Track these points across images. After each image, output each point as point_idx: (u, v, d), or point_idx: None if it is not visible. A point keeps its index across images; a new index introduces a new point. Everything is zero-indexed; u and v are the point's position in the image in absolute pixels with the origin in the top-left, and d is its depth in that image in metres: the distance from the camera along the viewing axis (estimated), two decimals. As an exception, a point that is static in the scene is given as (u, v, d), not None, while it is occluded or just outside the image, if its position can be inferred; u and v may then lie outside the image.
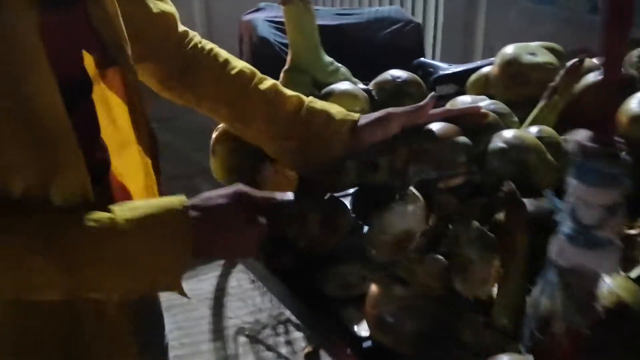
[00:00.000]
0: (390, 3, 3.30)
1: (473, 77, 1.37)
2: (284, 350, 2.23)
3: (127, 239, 0.73)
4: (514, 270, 0.78)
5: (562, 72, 1.05)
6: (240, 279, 2.51)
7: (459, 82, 1.52)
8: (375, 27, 1.89)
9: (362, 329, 0.90)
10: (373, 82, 1.26)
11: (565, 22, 2.50)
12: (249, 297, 2.46)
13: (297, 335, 2.25)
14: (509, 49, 1.25)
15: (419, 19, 2.81)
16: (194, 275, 2.57)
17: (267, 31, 1.77)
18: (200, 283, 2.52)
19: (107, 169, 0.86)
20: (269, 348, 2.23)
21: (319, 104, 1.04)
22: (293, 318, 2.24)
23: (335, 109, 1.03)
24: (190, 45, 1.05)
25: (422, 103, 1.01)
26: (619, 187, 0.53)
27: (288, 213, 1.05)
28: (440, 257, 0.84)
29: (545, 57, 1.22)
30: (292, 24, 1.18)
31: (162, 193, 0.91)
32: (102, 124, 0.84)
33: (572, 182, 0.52)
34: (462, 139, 0.98)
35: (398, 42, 1.89)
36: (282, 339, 2.25)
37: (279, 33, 1.78)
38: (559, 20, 2.53)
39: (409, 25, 1.91)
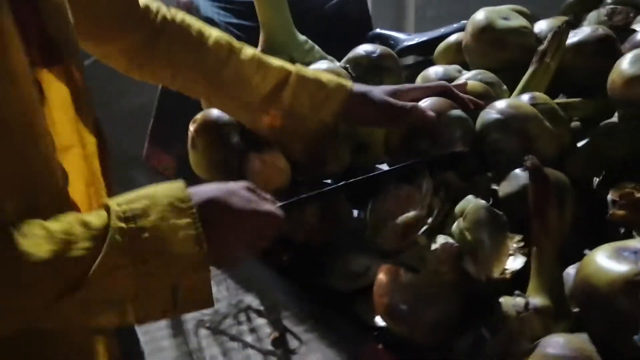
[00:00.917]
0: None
1: (442, 46, 1.34)
2: (248, 338, 2.17)
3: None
4: (548, 248, 0.76)
5: (550, 35, 1.02)
6: (193, 270, 2.43)
7: (423, 52, 1.49)
8: (320, -2, 1.82)
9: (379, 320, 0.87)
10: (346, 58, 1.21)
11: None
12: (204, 288, 2.38)
13: (261, 322, 2.20)
14: (480, 15, 1.21)
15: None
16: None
17: (210, 11, 1.67)
18: (151, 278, 2.41)
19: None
20: (233, 338, 2.16)
21: (309, 71, 0.99)
22: (254, 305, 2.19)
23: (327, 77, 0.98)
24: (158, 17, 0.97)
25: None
26: None
27: (285, 205, 0.99)
28: (451, 240, 0.81)
29: (518, 21, 1.20)
30: (263, 3, 1.11)
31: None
32: None
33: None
34: (457, 112, 0.95)
35: (344, 13, 1.83)
36: (245, 327, 2.19)
37: (223, 12, 1.68)
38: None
39: (354, -5, 1.86)
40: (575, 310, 0.73)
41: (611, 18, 1.19)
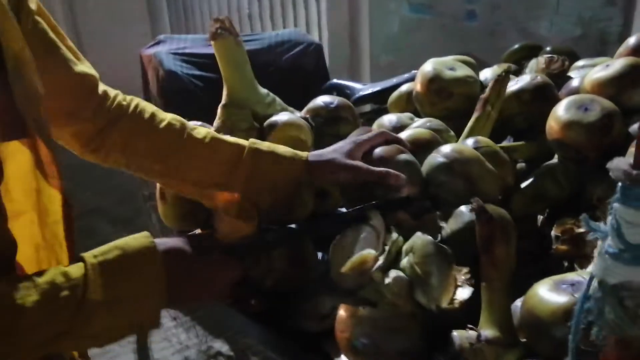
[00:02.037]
0: (276, 22, 3.34)
1: (394, 95, 1.42)
2: (219, 384, 2.19)
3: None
4: (497, 282, 0.82)
5: (491, 83, 1.11)
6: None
7: (378, 101, 1.57)
8: (277, 51, 1.90)
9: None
10: (306, 108, 1.28)
11: (444, 30, 2.64)
12: (173, 335, 2.39)
13: (231, 367, 2.21)
14: (428, 67, 1.29)
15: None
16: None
17: (173, 64, 1.74)
18: (118, 327, 2.41)
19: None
20: (204, 384, 2.18)
21: (265, 145, 1.00)
22: (224, 350, 2.20)
23: (282, 149, 1.00)
24: (114, 104, 0.99)
25: (368, 136, 1.03)
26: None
27: (254, 252, 1.04)
28: (402, 274, 0.87)
29: (464, 71, 1.28)
30: (224, 59, 1.17)
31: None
32: None
33: (616, 205, 0.55)
34: (404, 156, 1.01)
35: (301, 64, 1.92)
36: (216, 373, 2.21)
37: (185, 65, 1.75)
38: (437, 28, 2.66)
39: (311, 46, 1.94)
40: (523, 340, 0.80)
41: (549, 66, 1.29)
